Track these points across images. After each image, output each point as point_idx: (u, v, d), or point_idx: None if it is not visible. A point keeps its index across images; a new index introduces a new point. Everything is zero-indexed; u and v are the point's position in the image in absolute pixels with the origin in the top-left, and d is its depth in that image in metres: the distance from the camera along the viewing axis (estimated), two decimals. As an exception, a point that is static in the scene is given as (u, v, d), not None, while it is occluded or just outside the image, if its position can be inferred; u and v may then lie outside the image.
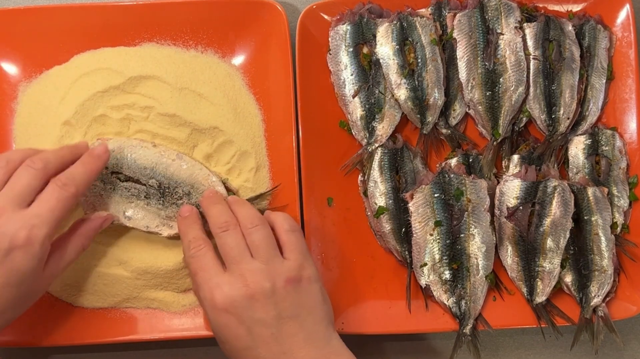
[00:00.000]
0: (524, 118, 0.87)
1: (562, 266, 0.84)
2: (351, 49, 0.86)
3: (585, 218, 0.84)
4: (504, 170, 0.87)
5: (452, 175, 0.84)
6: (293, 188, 0.83)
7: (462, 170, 0.84)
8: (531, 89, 0.86)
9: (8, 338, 0.80)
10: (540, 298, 0.84)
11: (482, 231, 0.83)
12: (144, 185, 0.79)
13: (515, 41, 0.86)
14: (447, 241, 0.83)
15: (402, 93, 0.85)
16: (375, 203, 0.85)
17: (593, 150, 0.87)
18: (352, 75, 0.86)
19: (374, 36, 0.86)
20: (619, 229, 0.86)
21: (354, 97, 0.86)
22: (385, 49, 0.85)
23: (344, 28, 0.86)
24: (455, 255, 0.83)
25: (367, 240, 0.87)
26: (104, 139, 0.79)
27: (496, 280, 0.85)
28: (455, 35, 0.86)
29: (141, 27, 0.85)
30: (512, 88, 0.85)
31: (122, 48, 0.85)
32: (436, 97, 0.86)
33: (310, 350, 0.69)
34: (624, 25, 0.88)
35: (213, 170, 0.82)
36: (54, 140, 0.80)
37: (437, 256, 0.83)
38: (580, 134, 0.88)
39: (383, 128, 0.86)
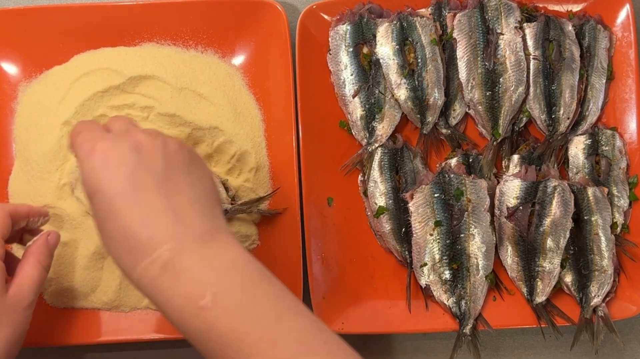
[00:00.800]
0: (524, 118, 0.87)
1: (562, 266, 0.84)
2: (351, 49, 0.86)
3: (585, 218, 0.84)
4: (504, 170, 0.87)
5: (452, 175, 0.84)
6: (293, 188, 0.83)
7: (462, 170, 0.84)
8: (531, 89, 0.86)
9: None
10: (540, 298, 0.84)
11: (482, 231, 0.83)
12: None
13: (515, 41, 0.86)
14: (447, 241, 0.83)
15: (402, 93, 0.85)
16: (375, 203, 0.85)
17: (593, 150, 0.87)
18: (352, 75, 0.86)
19: (374, 36, 0.86)
20: (619, 229, 0.86)
21: (354, 97, 0.86)
22: (385, 49, 0.85)
23: (344, 28, 0.86)
24: (455, 255, 0.83)
25: (367, 240, 0.87)
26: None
27: (496, 280, 0.85)
28: (455, 35, 0.86)
29: (141, 27, 0.85)
30: (512, 88, 0.85)
31: (122, 48, 0.85)
32: (436, 97, 0.86)
33: (196, 215, 0.59)
34: (624, 25, 0.88)
35: (213, 170, 0.82)
36: (54, 140, 0.80)
37: (437, 256, 0.83)
38: (580, 134, 0.88)
39: (383, 128, 0.86)
